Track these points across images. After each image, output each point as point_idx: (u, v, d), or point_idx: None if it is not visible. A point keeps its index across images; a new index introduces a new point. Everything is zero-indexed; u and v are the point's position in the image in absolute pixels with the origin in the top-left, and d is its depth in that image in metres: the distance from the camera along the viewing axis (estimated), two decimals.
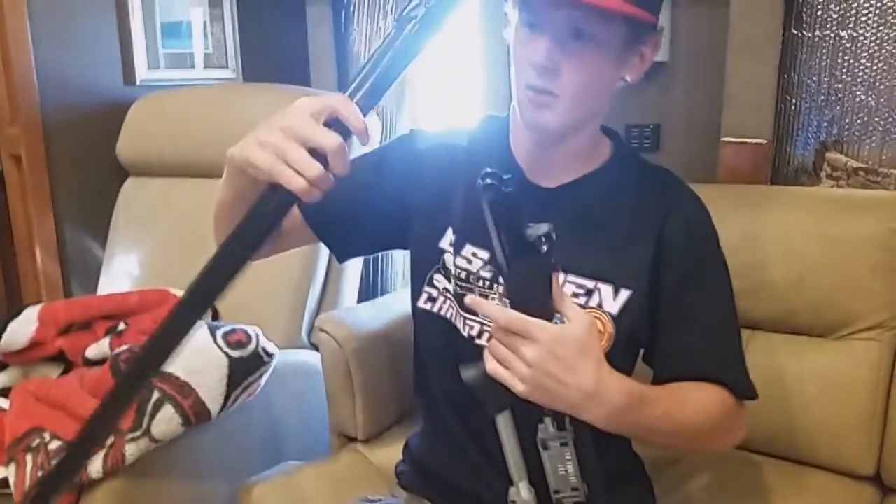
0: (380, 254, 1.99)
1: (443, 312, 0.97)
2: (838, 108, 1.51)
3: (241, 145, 0.75)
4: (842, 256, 1.24)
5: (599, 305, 0.90)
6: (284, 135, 0.68)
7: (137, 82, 1.99)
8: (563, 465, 0.82)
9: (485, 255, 0.93)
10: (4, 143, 1.84)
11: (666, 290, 0.90)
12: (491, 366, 0.76)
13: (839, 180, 1.47)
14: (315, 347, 1.54)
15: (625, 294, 0.90)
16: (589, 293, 0.90)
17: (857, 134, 1.50)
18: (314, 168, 0.67)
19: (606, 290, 0.90)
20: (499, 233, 0.74)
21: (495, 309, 0.77)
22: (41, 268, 1.85)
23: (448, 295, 0.96)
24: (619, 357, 0.89)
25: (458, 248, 0.94)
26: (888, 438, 1.21)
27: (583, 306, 0.89)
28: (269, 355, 1.34)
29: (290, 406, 1.48)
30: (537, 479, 0.84)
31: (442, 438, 1.01)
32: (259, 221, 0.73)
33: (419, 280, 0.99)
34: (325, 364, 1.38)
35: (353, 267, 1.77)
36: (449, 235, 0.96)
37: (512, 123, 0.97)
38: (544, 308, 0.76)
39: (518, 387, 0.75)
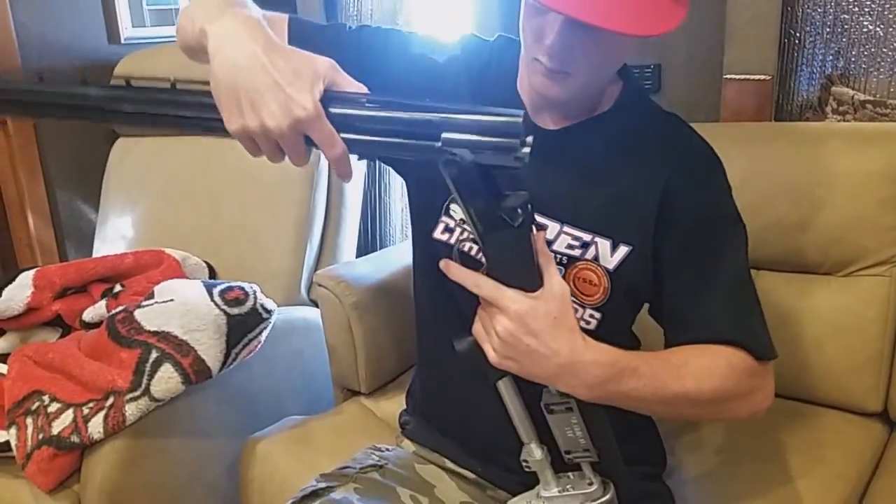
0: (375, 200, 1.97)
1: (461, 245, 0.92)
2: (844, 39, 1.46)
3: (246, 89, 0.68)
4: (849, 192, 1.21)
5: (595, 259, 0.85)
6: (289, 126, 0.66)
7: (122, 40, 1.94)
8: (569, 429, 0.80)
9: (549, 223, 0.88)
10: None
11: (672, 247, 0.85)
12: (476, 327, 0.76)
13: (846, 115, 1.43)
14: (315, 303, 1.53)
15: (623, 250, 0.85)
16: (585, 246, 0.85)
17: (865, 66, 1.45)
18: (303, 159, 0.68)
19: (604, 244, 0.85)
20: (467, 208, 0.71)
21: (468, 275, 0.75)
22: (34, 233, 1.83)
23: (455, 234, 0.91)
24: (615, 312, 0.86)
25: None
26: None
27: (577, 258, 0.85)
28: (268, 311, 1.32)
29: (292, 362, 1.47)
30: (549, 438, 0.82)
31: (446, 385, 0.99)
32: None
33: (434, 208, 0.92)
34: (325, 319, 1.37)
35: (351, 222, 1.74)
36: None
37: (521, 68, 0.90)
38: (526, 277, 0.74)
39: (491, 356, 0.74)
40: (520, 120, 0.66)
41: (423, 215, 0.95)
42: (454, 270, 0.77)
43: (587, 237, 0.85)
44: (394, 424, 1.14)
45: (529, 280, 0.74)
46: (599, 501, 0.83)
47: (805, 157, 1.26)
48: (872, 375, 1.20)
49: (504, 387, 0.80)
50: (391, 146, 0.68)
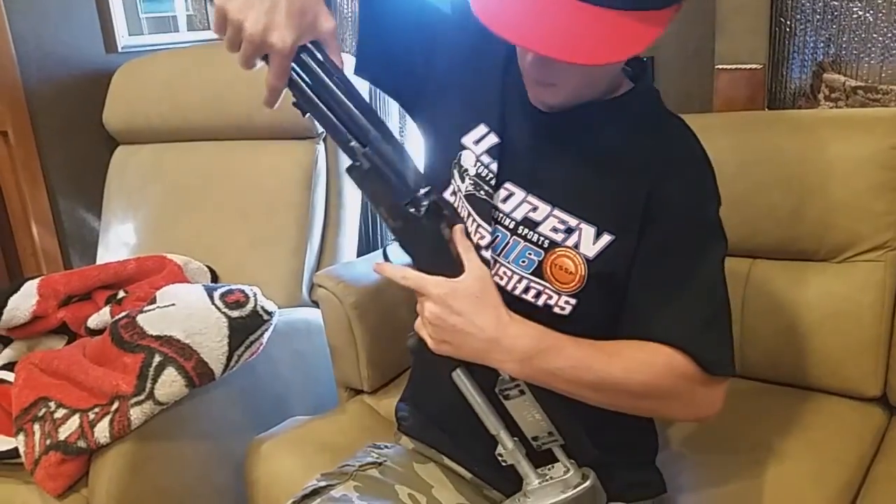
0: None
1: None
2: (835, 26, 1.46)
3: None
4: (842, 178, 1.22)
5: (576, 245, 0.85)
6: (258, 41, 0.72)
7: (119, 49, 1.96)
8: (528, 413, 0.83)
9: (540, 204, 0.88)
10: None
11: (649, 244, 0.84)
12: (417, 322, 0.81)
13: (838, 101, 1.44)
14: (316, 304, 1.54)
15: (606, 239, 0.84)
16: (569, 231, 0.85)
17: (856, 52, 1.45)
18: (247, 65, 0.74)
19: (588, 231, 0.85)
20: (376, 207, 0.78)
21: (395, 270, 0.80)
22: (39, 242, 1.85)
23: (460, 195, 0.91)
24: (590, 301, 0.86)
25: (493, 152, 0.89)
26: (894, 359, 1.21)
27: (559, 244, 0.85)
28: (269, 313, 1.33)
29: (295, 363, 1.49)
30: (519, 431, 0.85)
31: (437, 381, 0.99)
32: None
33: (443, 170, 0.92)
34: (326, 319, 1.38)
35: (350, 223, 1.76)
36: (479, 131, 0.90)
37: None
38: (447, 265, 0.79)
39: (429, 342, 0.79)
40: (425, 192, 0.77)
41: (428, 171, 0.96)
42: (385, 269, 0.82)
43: (573, 222, 0.85)
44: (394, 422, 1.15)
45: (450, 268, 0.79)
46: (580, 488, 0.83)
47: (797, 144, 1.27)
48: (870, 360, 1.20)
49: (459, 378, 0.83)
50: (324, 118, 0.75)
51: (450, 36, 0.93)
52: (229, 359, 1.26)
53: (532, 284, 0.86)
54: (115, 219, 1.82)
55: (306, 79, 0.75)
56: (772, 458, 1.10)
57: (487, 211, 0.87)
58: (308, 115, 0.76)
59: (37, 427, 1.20)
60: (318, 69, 0.74)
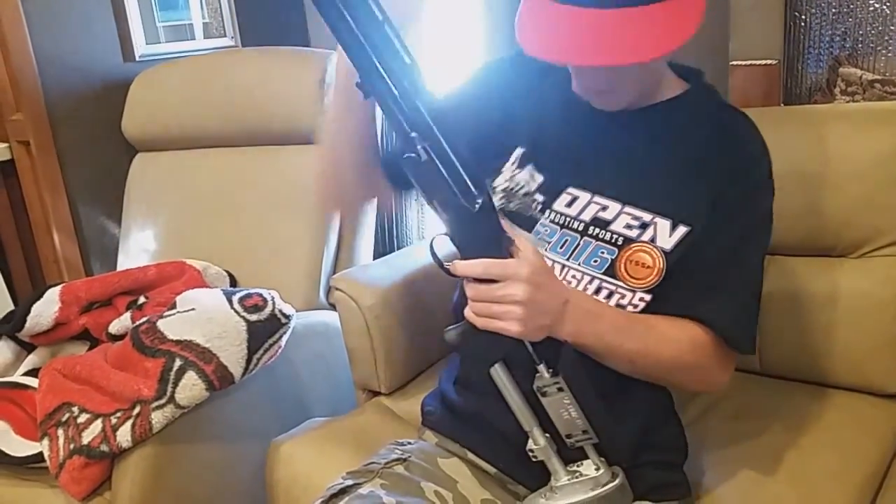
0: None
1: None
2: (851, 19, 1.45)
3: None
4: (859, 173, 1.21)
5: (652, 240, 0.88)
6: None
7: (137, 58, 1.98)
8: (565, 410, 0.83)
9: (540, 178, 0.93)
10: (11, 130, 1.85)
11: (706, 237, 0.88)
12: (481, 322, 0.79)
13: (854, 95, 1.43)
14: (333, 307, 1.55)
15: (682, 230, 0.88)
16: (644, 227, 0.88)
17: (872, 45, 1.44)
18: None
19: (663, 224, 0.88)
20: (429, 200, 0.78)
21: (472, 265, 0.78)
22: (60, 250, 1.87)
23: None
24: (665, 296, 0.89)
25: (523, 162, 0.95)
26: None
27: (633, 239, 0.88)
28: (287, 317, 1.34)
29: (313, 366, 1.50)
30: (553, 430, 0.85)
31: (479, 384, 1.00)
32: None
33: None
34: (343, 322, 1.39)
35: (367, 225, 1.77)
36: (516, 154, 0.95)
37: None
38: (499, 253, 0.79)
39: (514, 328, 0.77)
40: (478, 187, 0.77)
41: None
42: (463, 268, 0.80)
43: (647, 217, 0.88)
44: (415, 423, 1.16)
45: (501, 255, 0.79)
46: (608, 486, 0.84)
47: (814, 139, 1.26)
48: (890, 356, 1.19)
49: (497, 374, 0.83)
50: (386, 104, 0.73)
51: (495, 95, 0.99)
52: (248, 362, 1.27)
53: (604, 284, 0.89)
54: (134, 225, 1.85)
55: (376, 61, 0.71)
56: (793, 455, 1.09)
57: (525, 221, 0.92)
58: (371, 97, 0.74)
59: (60, 432, 1.21)
60: (391, 50, 0.71)
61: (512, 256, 0.78)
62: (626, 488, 0.88)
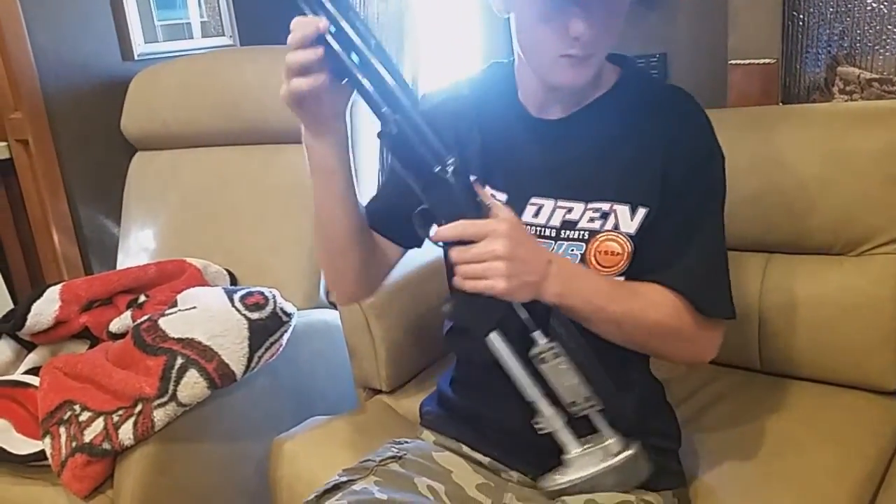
0: None
1: None
2: (849, 19, 1.46)
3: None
4: (857, 171, 1.21)
5: (616, 227, 0.91)
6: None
7: (136, 57, 1.98)
8: (564, 376, 0.83)
9: (503, 196, 0.95)
10: (10, 129, 1.85)
11: (663, 211, 0.91)
12: (469, 285, 0.80)
13: (852, 94, 1.43)
14: (334, 305, 1.55)
15: (642, 212, 0.91)
16: (605, 216, 0.91)
17: (870, 44, 1.45)
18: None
19: (623, 210, 0.91)
20: (406, 172, 0.81)
21: (453, 227, 0.80)
22: (59, 249, 1.87)
23: None
24: (637, 277, 0.91)
25: (523, 207, 0.96)
26: None
27: (598, 231, 0.91)
28: (288, 315, 1.35)
29: (314, 364, 1.50)
30: (554, 399, 0.86)
31: (474, 380, 1.03)
32: None
33: None
34: (344, 320, 1.39)
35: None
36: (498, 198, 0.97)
37: (519, 73, 0.98)
38: (478, 218, 0.81)
39: (500, 285, 0.78)
40: (450, 154, 0.79)
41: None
42: (442, 232, 0.81)
43: (606, 206, 0.91)
44: (415, 420, 1.16)
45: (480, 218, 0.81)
46: (621, 456, 0.84)
47: (812, 138, 1.26)
48: (888, 354, 1.20)
49: (494, 343, 0.84)
50: (358, 84, 0.78)
51: None
52: (250, 360, 1.27)
53: None
54: (134, 224, 1.85)
55: (342, 44, 0.77)
56: (792, 452, 1.10)
57: None
58: (344, 80, 0.79)
59: (62, 430, 1.22)
60: (354, 35, 0.77)
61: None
62: (641, 460, 0.88)
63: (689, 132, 0.93)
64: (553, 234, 0.93)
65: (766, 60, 1.47)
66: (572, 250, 0.92)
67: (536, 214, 0.94)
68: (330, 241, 0.96)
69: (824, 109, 1.36)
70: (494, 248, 0.78)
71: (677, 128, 0.92)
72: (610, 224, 0.91)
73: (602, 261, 0.91)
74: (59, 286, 1.51)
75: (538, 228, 0.94)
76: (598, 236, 0.91)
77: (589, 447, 0.86)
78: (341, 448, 1.22)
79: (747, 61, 1.49)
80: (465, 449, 1.03)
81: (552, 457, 0.95)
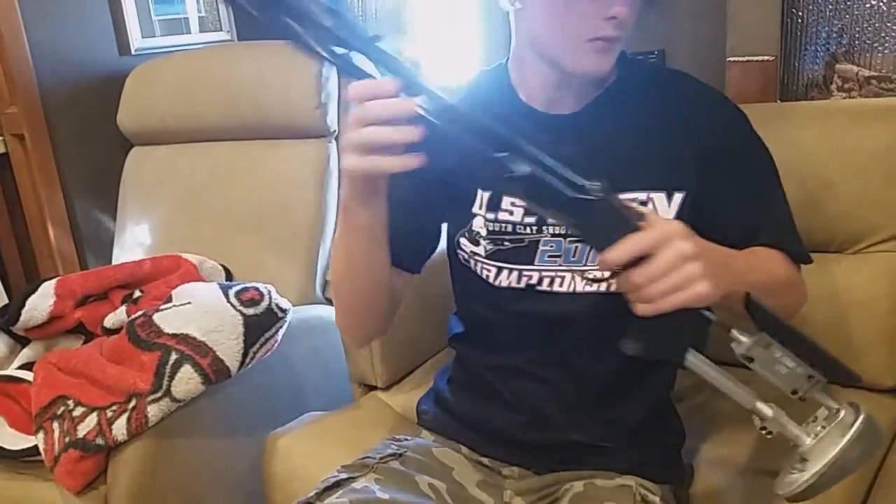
0: None
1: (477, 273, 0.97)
2: (847, 16, 1.46)
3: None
4: (856, 169, 1.21)
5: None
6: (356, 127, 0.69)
7: (133, 51, 1.97)
8: (779, 365, 0.74)
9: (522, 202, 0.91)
10: (6, 124, 1.84)
11: (718, 187, 0.90)
12: (665, 304, 0.70)
13: (851, 92, 1.43)
14: (330, 301, 1.55)
15: (678, 197, 0.89)
16: (642, 206, 0.89)
17: (869, 42, 1.45)
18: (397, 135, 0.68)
19: (659, 197, 0.89)
20: (547, 210, 0.73)
21: (618, 249, 0.70)
22: (55, 244, 1.87)
23: (478, 258, 0.95)
24: None
25: (494, 205, 0.93)
26: None
27: None
28: (283, 311, 1.34)
29: (309, 360, 1.49)
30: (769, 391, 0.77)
31: (476, 385, 1.02)
32: None
33: (451, 243, 0.99)
34: None
35: None
36: (480, 197, 0.94)
37: (519, 71, 0.94)
38: (627, 233, 0.72)
39: (704, 288, 0.69)
40: (585, 178, 0.71)
41: (447, 243, 1.01)
42: (613, 256, 0.70)
43: (643, 196, 0.89)
44: (411, 417, 1.16)
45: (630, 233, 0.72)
46: (858, 423, 0.74)
47: (811, 135, 1.26)
48: (886, 351, 1.19)
49: (695, 358, 0.74)
50: (460, 146, 0.69)
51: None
52: (245, 356, 1.27)
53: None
54: (130, 219, 1.84)
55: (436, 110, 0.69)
56: (788, 449, 1.09)
57: (528, 252, 0.92)
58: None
59: (56, 425, 1.21)
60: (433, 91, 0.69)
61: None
62: (875, 421, 0.76)
63: (712, 107, 0.93)
64: None
65: (765, 58, 1.47)
66: None
67: None
68: (360, 292, 0.92)
69: (823, 106, 1.36)
70: (682, 250, 0.69)
71: (699, 106, 0.92)
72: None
73: None
74: (54, 281, 1.50)
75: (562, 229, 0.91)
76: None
77: (821, 430, 0.75)
78: (336, 444, 1.21)
79: (746, 58, 1.48)
80: (465, 449, 1.02)
81: (554, 453, 0.96)
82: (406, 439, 1.04)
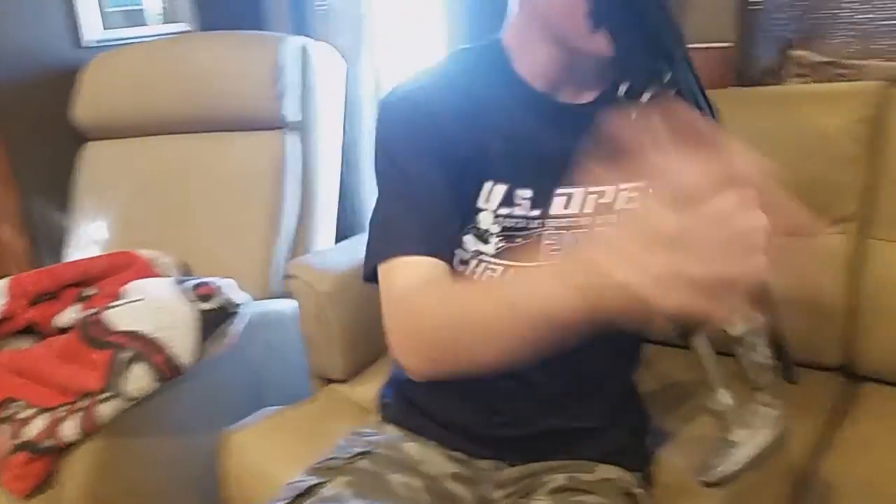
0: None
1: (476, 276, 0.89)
2: (803, 3, 1.46)
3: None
4: (808, 152, 1.22)
5: None
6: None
7: (87, 44, 1.93)
8: (755, 352, 0.75)
9: (528, 192, 0.86)
10: None
11: None
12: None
13: (805, 77, 1.44)
14: (290, 295, 1.53)
15: None
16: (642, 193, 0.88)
17: (824, 29, 1.45)
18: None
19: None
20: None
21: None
22: (8, 242, 1.82)
23: (483, 257, 0.88)
24: None
25: (508, 199, 0.86)
26: (855, 329, 1.22)
27: None
28: (238, 305, 1.32)
29: (268, 355, 1.48)
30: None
31: (445, 381, 0.98)
32: None
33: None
34: (300, 309, 1.37)
35: (325, 210, 1.75)
36: (488, 191, 0.87)
37: (520, 51, 0.87)
38: None
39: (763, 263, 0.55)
40: None
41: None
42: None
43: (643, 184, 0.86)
44: (371, 408, 1.14)
45: None
46: (780, 420, 0.77)
47: (764, 120, 1.27)
48: (833, 330, 1.22)
49: (701, 342, 0.73)
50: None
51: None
52: (199, 352, 1.25)
53: None
54: (84, 216, 1.80)
55: None
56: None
57: (533, 248, 0.87)
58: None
59: (4, 427, 1.18)
60: None
61: None
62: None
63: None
64: (588, 223, 0.87)
65: (722, 44, 1.47)
66: None
67: (567, 205, 0.87)
68: (491, 356, 0.74)
69: (778, 91, 1.37)
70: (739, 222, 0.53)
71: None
72: None
73: None
74: (6, 280, 1.46)
75: (570, 220, 0.87)
76: None
77: (751, 421, 0.77)
78: (293, 439, 1.20)
79: (703, 45, 1.48)
80: (432, 443, 0.99)
81: (530, 444, 0.94)
82: (372, 433, 1.00)
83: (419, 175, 0.81)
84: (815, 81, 1.43)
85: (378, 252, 0.81)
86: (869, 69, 1.38)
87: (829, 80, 1.41)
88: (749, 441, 0.78)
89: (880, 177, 1.21)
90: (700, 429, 1.12)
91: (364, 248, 0.86)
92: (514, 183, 0.85)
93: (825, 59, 1.43)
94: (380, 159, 0.86)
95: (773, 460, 0.81)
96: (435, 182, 0.81)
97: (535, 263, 0.82)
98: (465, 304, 0.71)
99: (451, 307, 0.73)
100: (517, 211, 0.87)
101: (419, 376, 0.77)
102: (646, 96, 0.67)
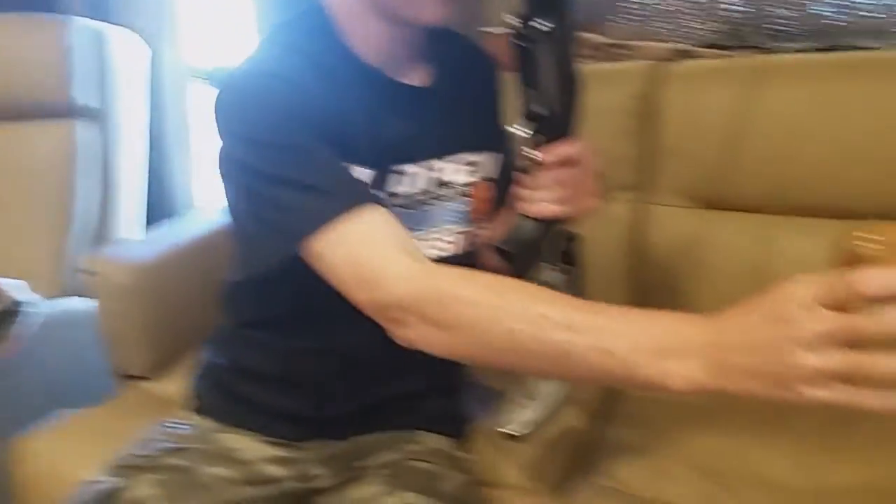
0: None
1: None
2: None
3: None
4: (591, 126, 1.30)
5: (486, 175, 0.95)
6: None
7: None
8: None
9: (367, 172, 0.82)
10: None
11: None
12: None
13: (591, 58, 1.54)
14: (82, 294, 1.44)
15: (500, 157, 0.96)
16: (474, 165, 0.93)
17: (607, 13, 1.56)
18: None
19: (487, 158, 0.95)
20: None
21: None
22: None
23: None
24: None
25: (379, 183, 0.84)
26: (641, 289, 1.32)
27: (469, 183, 0.93)
28: (23, 305, 1.23)
29: (64, 356, 1.39)
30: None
31: (264, 369, 0.97)
32: None
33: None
34: (99, 305, 1.30)
35: (131, 198, 1.67)
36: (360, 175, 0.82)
37: (349, 21, 0.83)
38: None
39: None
40: None
41: None
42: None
43: (473, 157, 0.93)
44: (178, 403, 1.10)
45: None
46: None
47: None
48: (619, 292, 1.31)
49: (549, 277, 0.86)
50: None
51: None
52: None
53: (468, 233, 0.94)
54: None
55: None
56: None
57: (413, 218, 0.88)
58: None
59: None
60: None
61: None
62: None
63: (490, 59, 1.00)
64: (426, 199, 0.89)
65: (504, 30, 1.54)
66: (458, 207, 0.92)
67: (402, 183, 0.86)
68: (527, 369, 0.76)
69: None
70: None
71: (495, 71, 0.99)
72: (479, 174, 0.94)
73: (481, 210, 0.95)
74: None
75: (407, 197, 0.86)
76: (476, 185, 0.93)
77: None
78: (92, 440, 1.13)
79: (499, 30, 1.55)
80: (252, 432, 0.95)
81: (344, 421, 0.95)
82: (182, 426, 0.96)
83: (315, 148, 0.75)
84: (601, 61, 1.54)
85: (299, 230, 0.72)
86: (645, 50, 1.50)
87: (612, 60, 1.52)
88: (544, 391, 0.86)
89: (654, 148, 1.33)
90: (504, 384, 1.17)
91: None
92: (352, 162, 0.81)
93: (609, 41, 1.54)
94: (248, 146, 0.76)
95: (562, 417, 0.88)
96: (329, 152, 0.76)
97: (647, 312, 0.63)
98: (540, 325, 0.62)
99: (514, 319, 0.64)
100: (402, 189, 0.87)
101: (411, 345, 0.71)
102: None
